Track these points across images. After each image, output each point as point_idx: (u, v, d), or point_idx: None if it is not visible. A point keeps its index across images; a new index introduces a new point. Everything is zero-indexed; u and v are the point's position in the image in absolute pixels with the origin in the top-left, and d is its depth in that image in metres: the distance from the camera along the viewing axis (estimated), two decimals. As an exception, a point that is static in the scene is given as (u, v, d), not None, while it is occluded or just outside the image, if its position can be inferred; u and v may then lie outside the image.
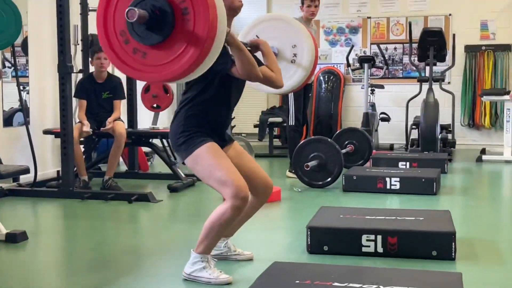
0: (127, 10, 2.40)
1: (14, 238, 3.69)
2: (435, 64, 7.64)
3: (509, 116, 7.45)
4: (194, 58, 2.42)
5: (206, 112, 2.91)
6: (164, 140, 6.43)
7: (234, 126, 8.22)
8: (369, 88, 7.84)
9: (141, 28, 2.45)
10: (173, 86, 8.15)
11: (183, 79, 2.61)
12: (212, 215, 2.85)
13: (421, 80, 7.91)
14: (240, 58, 2.78)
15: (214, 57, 2.53)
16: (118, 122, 5.56)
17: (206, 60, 2.48)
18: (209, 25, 2.39)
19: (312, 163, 5.48)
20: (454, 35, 8.40)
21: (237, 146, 3.08)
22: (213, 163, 2.81)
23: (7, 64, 5.76)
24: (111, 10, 2.53)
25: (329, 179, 5.53)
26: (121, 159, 6.16)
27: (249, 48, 3.01)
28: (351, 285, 2.38)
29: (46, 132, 5.86)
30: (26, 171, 4.02)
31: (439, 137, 7.32)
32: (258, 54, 3.14)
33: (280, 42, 3.58)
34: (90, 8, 6.21)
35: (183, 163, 2.97)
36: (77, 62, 6.23)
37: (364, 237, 3.32)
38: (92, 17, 6.22)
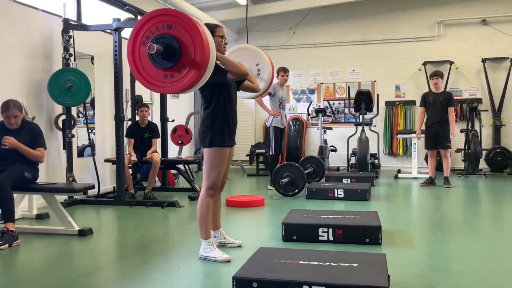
0: (148, 45, 2.45)
1: (84, 233, 3.67)
2: (365, 114, 7.72)
3: (415, 148, 7.52)
4: (195, 77, 2.50)
5: (223, 117, 2.97)
6: (186, 165, 6.42)
7: (233, 155, 8.21)
8: (322, 130, 7.90)
9: (159, 57, 2.51)
10: (191, 126, 8.15)
11: (190, 90, 2.63)
12: (197, 210, 2.96)
13: (357, 124, 7.97)
14: (230, 66, 2.88)
15: (208, 75, 2.58)
16: (155, 154, 5.55)
17: (203, 78, 2.55)
18: (204, 55, 2.47)
19: (285, 180, 5.49)
20: (378, 94, 8.52)
21: (232, 149, 3.13)
22: (216, 164, 2.94)
23: (80, 115, 5.76)
24: (138, 65, 2.59)
25: (296, 190, 5.53)
26: (156, 179, 6.13)
27: None
28: (312, 262, 2.37)
29: (106, 160, 5.84)
30: (92, 187, 3.99)
31: (369, 162, 7.35)
32: None
33: (247, 63, 3.53)
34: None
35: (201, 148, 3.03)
36: (127, 113, 6.24)
37: (320, 229, 3.32)
38: (137, 84, 6.26)
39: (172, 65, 2.50)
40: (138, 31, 2.57)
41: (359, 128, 7.62)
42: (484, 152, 8.03)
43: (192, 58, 2.47)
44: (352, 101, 8.11)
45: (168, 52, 2.48)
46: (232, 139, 3.05)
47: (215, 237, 3.15)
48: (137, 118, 5.87)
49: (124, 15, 6.75)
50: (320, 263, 2.35)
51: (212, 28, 2.93)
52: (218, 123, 2.93)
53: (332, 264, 2.34)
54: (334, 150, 8.67)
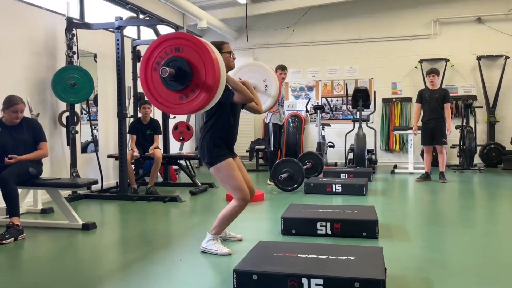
0: (161, 68, 2.44)
1: (87, 227, 3.68)
2: (363, 110, 7.71)
3: (411, 144, 7.51)
4: (206, 98, 2.48)
5: (223, 133, 2.92)
6: (187, 161, 6.42)
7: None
8: (321, 126, 7.89)
9: (171, 81, 2.49)
10: (192, 123, 8.14)
11: (201, 110, 2.59)
12: (225, 209, 2.92)
13: (354, 121, 7.97)
14: (238, 90, 2.84)
15: (218, 96, 2.56)
16: (157, 150, 5.55)
17: (214, 99, 2.53)
18: (215, 78, 2.45)
19: (284, 175, 5.49)
20: (375, 91, 8.51)
21: (238, 160, 3.07)
22: (230, 174, 2.85)
23: (83, 112, 5.75)
24: (153, 88, 2.57)
25: (295, 185, 5.53)
26: (158, 174, 6.12)
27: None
28: (310, 256, 2.37)
29: (109, 156, 5.83)
30: (95, 182, 3.99)
31: (367, 157, 7.35)
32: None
33: (255, 79, 3.54)
34: (139, 75, 6.23)
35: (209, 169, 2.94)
36: (130, 110, 6.23)
37: (318, 223, 3.33)
38: (140, 81, 6.25)
39: (185, 86, 2.47)
40: (148, 59, 2.56)
41: (357, 125, 7.62)
42: (478, 148, 8.03)
43: (204, 77, 2.45)
44: (349, 98, 8.11)
45: (180, 74, 2.46)
46: (232, 152, 2.98)
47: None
48: (139, 115, 5.86)
49: (126, 13, 6.74)
50: (319, 256, 2.35)
51: (219, 45, 2.88)
52: (216, 138, 2.87)
53: (330, 257, 2.34)
54: (332, 146, 8.67)
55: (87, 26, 5.37)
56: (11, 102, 3.64)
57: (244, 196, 2.84)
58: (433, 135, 6.35)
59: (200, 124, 9.07)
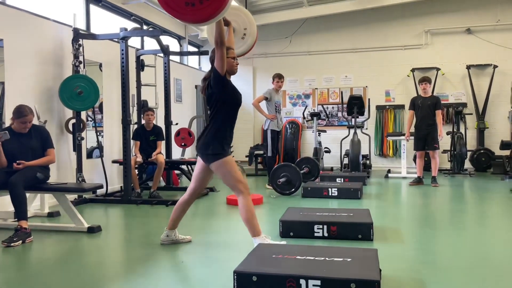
0: None
1: (93, 230, 3.67)
2: (357, 117, 7.74)
3: (404, 149, 7.53)
4: (208, 14, 2.44)
5: (224, 130, 2.98)
6: (189, 166, 6.41)
7: (234, 156, 8.20)
8: (317, 132, 7.90)
9: None
10: (194, 129, 8.14)
11: (207, 22, 2.55)
12: (242, 212, 2.96)
13: (349, 127, 7.99)
14: (217, 27, 2.78)
15: (220, 17, 2.54)
16: (160, 155, 5.55)
17: (215, 17, 2.48)
18: None
19: (282, 180, 5.49)
20: (369, 99, 8.54)
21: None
22: (232, 168, 2.96)
23: (89, 119, 5.75)
24: None
25: (293, 189, 5.53)
26: (161, 179, 6.12)
27: (225, 20, 3.11)
28: (308, 257, 2.37)
29: (114, 161, 5.84)
30: (100, 187, 3.99)
31: (361, 162, 7.36)
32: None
33: (237, 24, 3.52)
34: (142, 84, 6.24)
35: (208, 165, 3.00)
36: (134, 117, 6.24)
37: (315, 226, 3.33)
38: (143, 90, 6.26)
39: None
40: None
41: (352, 131, 7.63)
42: (469, 153, 8.05)
43: None
44: (345, 105, 8.12)
45: None
46: (229, 148, 3.05)
47: (167, 236, 3.20)
48: (143, 121, 5.87)
49: (130, 24, 6.76)
50: (316, 258, 2.34)
51: (226, 49, 2.93)
52: (220, 137, 2.95)
53: (327, 259, 2.33)
54: (328, 151, 8.68)
55: (93, 36, 5.39)
56: (21, 113, 3.65)
57: (246, 185, 2.98)
58: (425, 140, 6.37)
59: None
